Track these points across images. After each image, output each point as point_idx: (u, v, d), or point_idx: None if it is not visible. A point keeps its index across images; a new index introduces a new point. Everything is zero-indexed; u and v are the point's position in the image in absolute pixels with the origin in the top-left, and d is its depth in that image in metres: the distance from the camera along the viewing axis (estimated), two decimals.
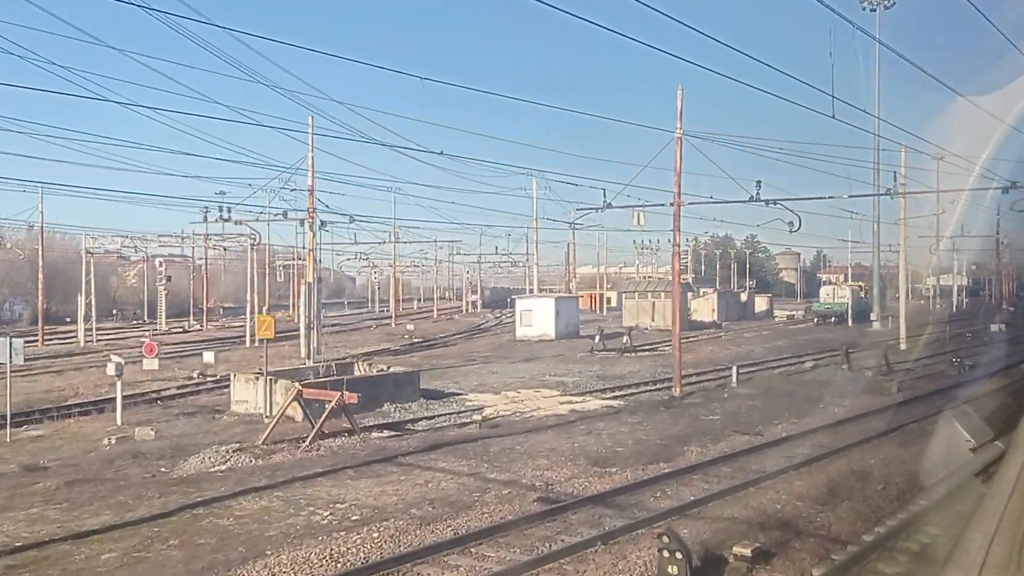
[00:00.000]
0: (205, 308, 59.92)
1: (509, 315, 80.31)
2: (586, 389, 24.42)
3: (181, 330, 58.47)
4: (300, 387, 16.01)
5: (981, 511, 2.44)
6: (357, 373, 21.52)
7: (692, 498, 12.24)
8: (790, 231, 22.32)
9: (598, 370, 29.85)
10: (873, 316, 55.15)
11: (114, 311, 72.33)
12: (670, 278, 68.07)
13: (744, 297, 79.15)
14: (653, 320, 54.90)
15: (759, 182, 21.70)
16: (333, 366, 21.19)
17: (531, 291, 63.01)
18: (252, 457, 14.22)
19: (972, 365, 30.91)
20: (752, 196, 21.80)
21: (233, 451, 14.49)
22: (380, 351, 39.22)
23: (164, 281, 60.03)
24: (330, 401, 15.41)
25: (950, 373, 29.66)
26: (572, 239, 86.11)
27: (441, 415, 19.24)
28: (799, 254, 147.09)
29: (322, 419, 15.16)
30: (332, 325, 60.78)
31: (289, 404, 15.91)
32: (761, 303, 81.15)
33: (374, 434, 16.21)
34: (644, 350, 39.34)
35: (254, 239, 43.38)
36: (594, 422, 18.29)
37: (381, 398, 19.82)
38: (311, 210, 26.21)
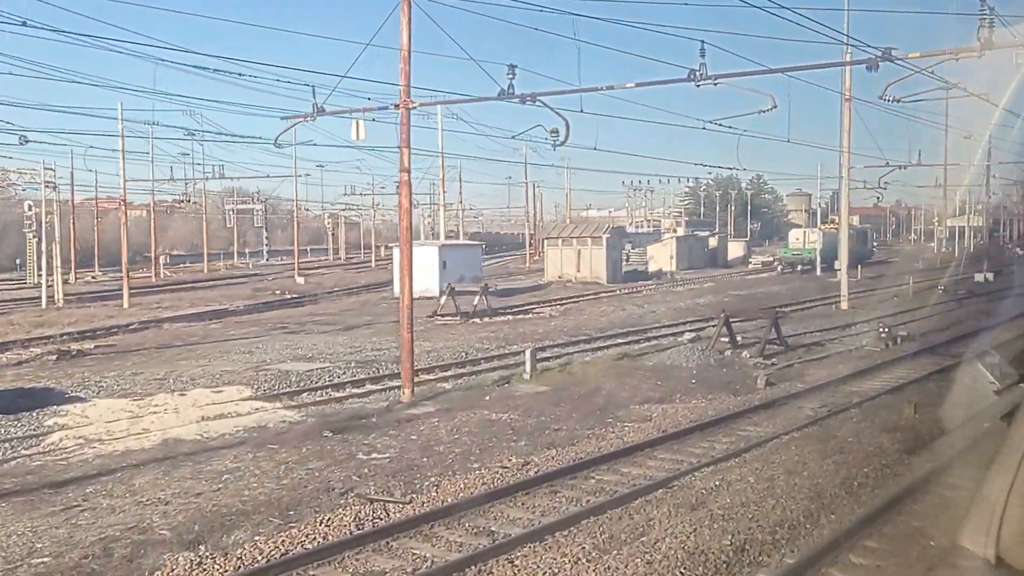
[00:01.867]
0: (73, 257, 52.33)
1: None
2: (309, 385, 16.85)
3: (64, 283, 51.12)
4: None
5: (1004, 452, 2.33)
6: None
7: None
8: (554, 146, 14.24)
9: (397, 348, 22.17)
10: (837, 265, 46.85)
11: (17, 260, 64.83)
12: (601, 223, 59.93)
13: (713, 242, 70.80)
14: (579, 271, 46.95)
15: (512, 67, 13.58)
16: None
17: (446, 238, 55.42)
18: None
19: (908, 336, 23.02)
20: (503, 90, 13.76)
21: None
22: (201, 313, 31.74)
23: (33, 227, 52.44)
24: None
25: (873, 350, 21.77)
26: (525, 177, 77.96)
27: None
28: (810, 195, 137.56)
29: None
30: (214, 280, 53.12)
31: None
32: (735, 249, 72.88)
33: None
34: (513, 312, 31.55)
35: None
36: (140, 473, 10.68)
37: None
38: None
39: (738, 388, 16.56)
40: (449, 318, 28.34)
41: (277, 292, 42.54)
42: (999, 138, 43.30)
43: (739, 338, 22.62)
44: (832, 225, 61.05)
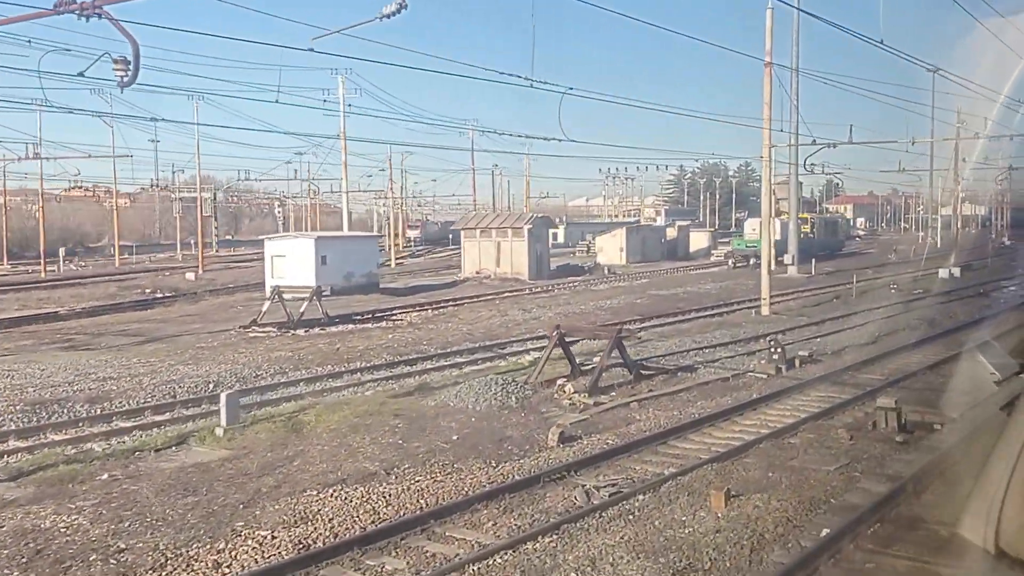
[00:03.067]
0: None
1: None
2: None
3: None
4: None
5: (1004, 442, 2.30)
6: None
7: None
8: (120, 86, 8.77)
9: (165, 372, 17.17)
10: (787, 259, 41.90)
11: None
12: (523, 213, 54.69)
13: (672, 233, 65.65)
14: (499, 266, 41.85)
15: None
16: None
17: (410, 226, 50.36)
18: None
19: (810, 357, 18.01)
20: None
21: None
22: (7, 319, 26.73)
23: None
24: None
25: (759, 376, 16.70)
26: (472, 162, 72.98)
27: None
28: (801, 183, 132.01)
29: None
30: (111, 275, 48.12)
31: None
32: (699, 239, 67.66)
33: None
34: (363, 319, 26.56)
35: None
36: None
37: None
38: None
39: (513, 449, 11.51)
40: (270, 328, 23.30)
41: (147, 291, 37.45)
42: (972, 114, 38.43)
43: (597, 358, 17.71)
44: (804, 215, 55.83)
